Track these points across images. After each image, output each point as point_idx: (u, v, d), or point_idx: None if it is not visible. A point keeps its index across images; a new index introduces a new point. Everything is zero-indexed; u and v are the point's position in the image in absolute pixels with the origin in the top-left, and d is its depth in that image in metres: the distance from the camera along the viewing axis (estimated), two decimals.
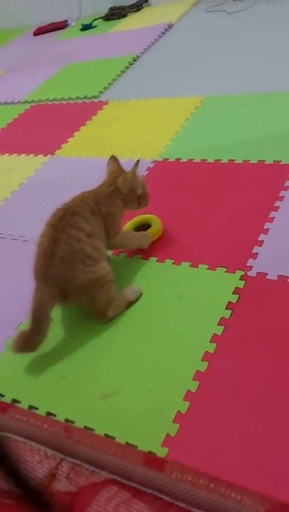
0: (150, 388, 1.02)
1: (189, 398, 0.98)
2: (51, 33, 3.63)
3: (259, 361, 1.01)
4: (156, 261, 1.34)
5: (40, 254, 1.16)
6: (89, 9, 3.61)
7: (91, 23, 3.39)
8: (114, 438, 0.95)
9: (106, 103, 2.31)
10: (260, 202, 1.42)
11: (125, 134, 2.00)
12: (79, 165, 1.90)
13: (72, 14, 3.68)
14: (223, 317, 1.12)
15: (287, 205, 1.38)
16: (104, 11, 3.46)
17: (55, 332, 1.20)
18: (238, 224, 1.38)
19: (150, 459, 0.66)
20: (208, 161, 1.67)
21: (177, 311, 1.18)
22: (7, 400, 1.10)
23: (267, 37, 2.43)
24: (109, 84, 2.49)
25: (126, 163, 1.36)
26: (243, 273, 1.21)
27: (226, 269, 1.24)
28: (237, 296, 1.16)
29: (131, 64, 2.65)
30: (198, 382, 1.00)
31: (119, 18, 3.37)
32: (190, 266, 1.29)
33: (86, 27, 3.38)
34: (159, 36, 2.89)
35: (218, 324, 1.11)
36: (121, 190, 1.27)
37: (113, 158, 1.34)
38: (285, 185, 1.45)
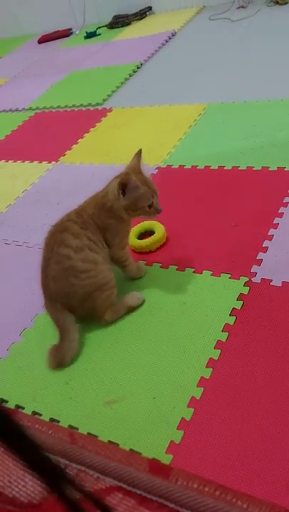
0: (154, 395, 1.02)
1: (194, 405, 0.98)
2: (55, 40, 3.66)
3: (264, 367, 1.01)
4: (160, 267, 1.34)
5: (41, 272, 1.19)
6: (93, 17, 3.64)
7: (95, 31, 3.42)
8: (118, 445, 0.95)
9: (110, 110, 2.32)
10: (264, 208, 1.42)
11: (129, 141, 2.01)
12: (83, 172, 1.91)
13: (76, 22, 3.71)
14: (227, 323, 1.12)
15: None
16: (108, 19, 3.49)
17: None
18: (242, 230, 1.38)
19: (155, 465, 0.65)
20: (211, 168, 1.67)
21: (181, 318, 1.17)
22: (11, 405, 1.10)
23: (270, 44, 2.44)
24: (113, 91, 2.51)
25: None
26: (247, 279, 1.21)
27: (230, 275, 1.24)
28: (241, 302, 1.16)
29: (135, 71, 2.67)
30: (202, 388, 1.00)
31: (123, 26, 3.40)
32: (194, 272, 1.29)
33: (90, 35, 3.41)
34: (163, 44, 2.91)
35: (222, 331, 1.11)
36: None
37: (137, 153, 1.22)
38: None
